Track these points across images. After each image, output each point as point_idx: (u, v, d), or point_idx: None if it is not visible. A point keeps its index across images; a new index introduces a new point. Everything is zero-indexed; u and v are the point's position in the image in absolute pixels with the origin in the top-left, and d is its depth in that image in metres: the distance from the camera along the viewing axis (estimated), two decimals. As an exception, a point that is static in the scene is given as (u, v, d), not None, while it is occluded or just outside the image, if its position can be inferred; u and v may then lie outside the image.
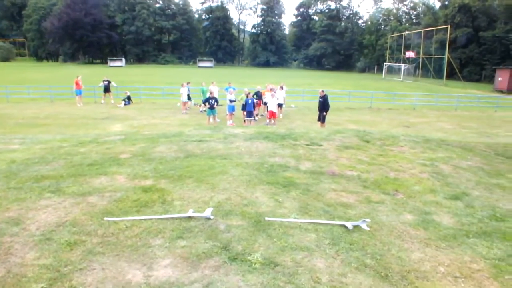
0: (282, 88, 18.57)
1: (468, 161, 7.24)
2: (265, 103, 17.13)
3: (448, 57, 49.28)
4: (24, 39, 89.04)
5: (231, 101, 15.92)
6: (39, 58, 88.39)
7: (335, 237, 3.80)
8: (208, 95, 16.67)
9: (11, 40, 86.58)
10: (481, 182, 5.94)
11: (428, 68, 54.61)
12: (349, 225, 4.05)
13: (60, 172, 5.52)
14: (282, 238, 3.70)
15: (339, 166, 6.32)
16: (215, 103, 15.89)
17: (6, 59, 78.47)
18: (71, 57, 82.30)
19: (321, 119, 14.88)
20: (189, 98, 20.06)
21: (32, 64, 74.41)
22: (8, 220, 3.88)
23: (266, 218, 4.11)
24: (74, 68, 56.64)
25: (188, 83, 20.31)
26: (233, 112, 16.17)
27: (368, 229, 4.03)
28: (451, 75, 52.82)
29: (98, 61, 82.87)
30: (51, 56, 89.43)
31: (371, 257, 3.50)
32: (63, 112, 19.27)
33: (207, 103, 15.96)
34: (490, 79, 52.83)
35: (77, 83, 21.86)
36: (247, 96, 15.73)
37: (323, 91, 15.25)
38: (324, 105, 14.78)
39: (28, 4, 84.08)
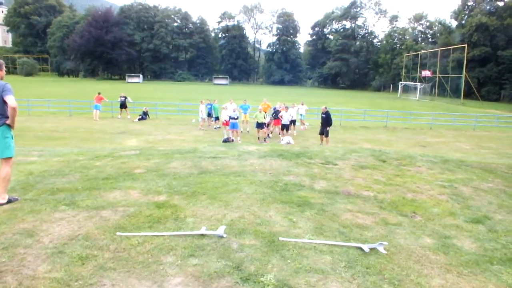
0: (294, 106, 19.35)
1: (489, 183, 7.02)
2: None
3: (465, 76, 48.73)
4: (48, 55, 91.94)
5: (231, 118, 16.01)
6: (61, 74, 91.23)
7: (351, 260, 3.67)
8: (223, 112, 16.89)
9: (35, 56, 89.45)
10: (504, 205, 5.73)
11: (444, 87, 54.01)
12: (366, 247, 3.92)
13: (76, 185, 5.55)
14: (296, 260, 3.60)
15: (354, 186, 6.19)
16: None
17: (29, 74, 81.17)
18: (91, 73, 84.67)
19: (325, 134, 15.50)
20: (209, 115, 20.61)
21: (54, 79, 76.49)
22: (22, 231, 3.90)
23: (280, 238, 4.01)
24: (93, 84, 57.90)
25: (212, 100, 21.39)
26: (236, 129, 16.22)
27: (386, 252, 3.89)
28: (469, 95, 52.08)
29: (116, 77, 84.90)
30: (72, 72, 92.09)
31: (388, 282, 3.35)
32: (81, 126, 19.63)
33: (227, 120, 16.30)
34: (510, 98, 51.88)
35: (96, 99, 22.65)
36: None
37: (325, 108, 16.06)
38: (327, 121, 15.45)
39: (53, 22, 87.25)
